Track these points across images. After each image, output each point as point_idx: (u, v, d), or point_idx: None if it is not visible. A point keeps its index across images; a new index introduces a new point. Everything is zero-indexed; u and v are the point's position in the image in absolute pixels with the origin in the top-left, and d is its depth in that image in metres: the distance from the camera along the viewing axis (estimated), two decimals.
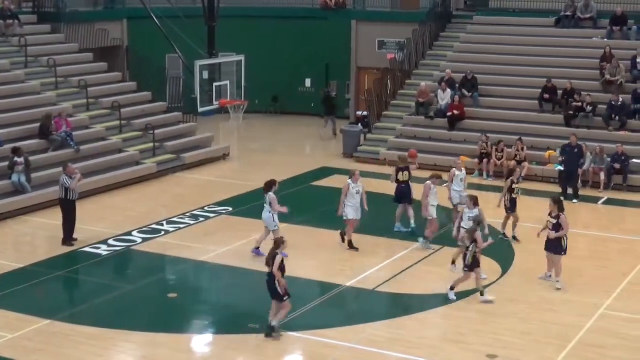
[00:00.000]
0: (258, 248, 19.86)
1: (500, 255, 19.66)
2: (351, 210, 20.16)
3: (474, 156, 28.05)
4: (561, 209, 17.63)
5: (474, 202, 18.60)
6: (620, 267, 19.28)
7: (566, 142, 26.23)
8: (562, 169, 26.79)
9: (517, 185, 20.90)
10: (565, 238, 17.68)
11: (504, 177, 27.07)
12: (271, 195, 19.62)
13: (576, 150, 25.81)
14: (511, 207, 20.82)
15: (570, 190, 25.28)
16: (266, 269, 15.42)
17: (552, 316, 16.60)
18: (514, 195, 20.79)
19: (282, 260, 15.38)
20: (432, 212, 20.31)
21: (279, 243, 15.57)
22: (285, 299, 15.42)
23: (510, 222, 21.06)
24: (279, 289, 15.33)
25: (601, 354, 15.10)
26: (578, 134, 27.82)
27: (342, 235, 20.60)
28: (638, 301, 17.50)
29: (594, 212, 23.90)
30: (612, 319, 16.53)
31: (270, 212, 19.58)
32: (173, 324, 16.24)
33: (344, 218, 20.24)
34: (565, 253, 17.77)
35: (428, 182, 20.34)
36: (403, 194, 21.59)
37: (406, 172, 21.70)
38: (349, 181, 20.34)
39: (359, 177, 20.52)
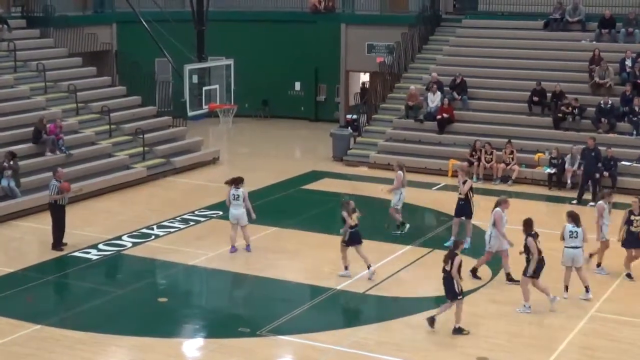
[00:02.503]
0: (234, 246, 20.29)
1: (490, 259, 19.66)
2: (497, 240, 18.33)
3: (463, 159, 28.10)
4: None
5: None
6: (610, 269, 19.31)
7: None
8: (550, 171, 26.91)
9: (637, 217, 18.66)
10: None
11: (493, 179, 27.32)
12: (244, 190, 20.05)
13: (593, 153, 25.96)
14: (630, 242, 18.68)
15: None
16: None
17: (541, 318, 16.63)
18: (632, 229, 18.71)
19: (461, 261, 15.81)
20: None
21: (458, 244, 16.11)
22: (459, 297, 15.82)
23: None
24: (456, 287, 15.74)
25: (591, 355, 15.16)
26: (567, 137, 28.00)
27: (475, 271, 18.67)
28: (627, 303, 17.56)
29: (583, 214, 23.80)
30: (601, 321, 16.58)
31: (243, 208, 20.00)
32: (163, 328, 16.23)
33: (491, 249, 18.37)
34: None
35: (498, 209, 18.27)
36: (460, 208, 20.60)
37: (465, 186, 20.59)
38: (499, 209, 18.26)
39: (509, 205, 18.76)
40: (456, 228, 20.61)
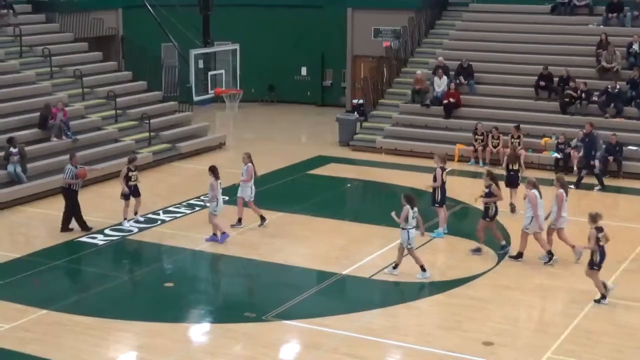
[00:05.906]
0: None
1: (496, 244, 19.66)
2: None
3: (469, 144, 28.07)
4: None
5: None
6: (615, 254, 19.21)
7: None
8: (558, 156, 26.85)
9: None
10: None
11: (500, 164, 27.27)
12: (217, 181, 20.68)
13: (587, 139, 25.86)
14: None
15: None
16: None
17: (546, 303, 16.66)
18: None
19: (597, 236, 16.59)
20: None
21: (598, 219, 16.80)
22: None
23: None
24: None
25: (596, 340, 15.15)
26: (574, 122, 27.95)
27: None
28: (633, 288, 17.55)
29: (588, 198, 23.92)
30: (606, 306, 16.55)
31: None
32: (169, 313, 16.27)
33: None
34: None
35: None
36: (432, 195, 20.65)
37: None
38: None
39: None
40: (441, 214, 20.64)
